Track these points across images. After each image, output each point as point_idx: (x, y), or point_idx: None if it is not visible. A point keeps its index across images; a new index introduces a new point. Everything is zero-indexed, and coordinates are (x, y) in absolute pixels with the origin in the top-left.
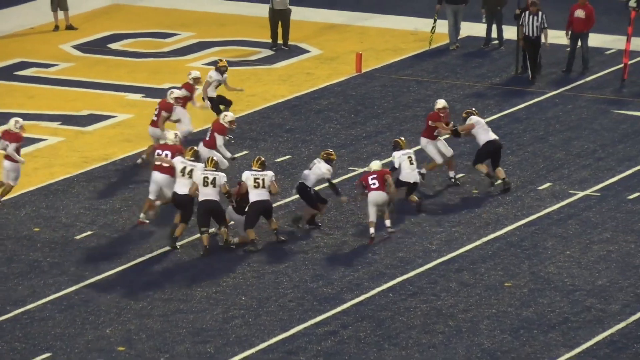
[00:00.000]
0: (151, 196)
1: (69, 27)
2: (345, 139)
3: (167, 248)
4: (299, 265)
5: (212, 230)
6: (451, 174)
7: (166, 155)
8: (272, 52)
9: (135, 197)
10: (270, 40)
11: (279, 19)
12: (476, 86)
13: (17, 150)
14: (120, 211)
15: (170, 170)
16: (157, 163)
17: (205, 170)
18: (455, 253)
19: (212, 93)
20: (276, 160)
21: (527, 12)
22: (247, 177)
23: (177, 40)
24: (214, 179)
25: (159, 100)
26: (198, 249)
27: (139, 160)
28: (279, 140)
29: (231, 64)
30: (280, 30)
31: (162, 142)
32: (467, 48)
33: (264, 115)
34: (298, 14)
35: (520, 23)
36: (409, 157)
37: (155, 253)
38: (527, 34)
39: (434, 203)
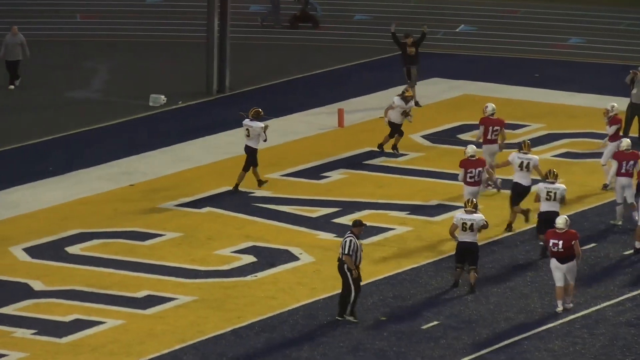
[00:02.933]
0: None
1: (416, 104)
2: None
3: (513, 339)
4: None
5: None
6: None
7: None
8: None
9: (482, 287)
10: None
11: (636, 112)
12: None
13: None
14: (467, 301)
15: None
16: None
17: (465, 211)
18: None
19: (396, 119)
20: (624, 253)
21: None
22: (540, 188)
23: (526, 131)
24: (472, 224)
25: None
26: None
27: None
28: (629, 232)
29: (581, 156)
30: (635, 125)
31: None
32: None
33: (613, 208)
34: None
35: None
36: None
37: (501, 344)
38: None
39: None
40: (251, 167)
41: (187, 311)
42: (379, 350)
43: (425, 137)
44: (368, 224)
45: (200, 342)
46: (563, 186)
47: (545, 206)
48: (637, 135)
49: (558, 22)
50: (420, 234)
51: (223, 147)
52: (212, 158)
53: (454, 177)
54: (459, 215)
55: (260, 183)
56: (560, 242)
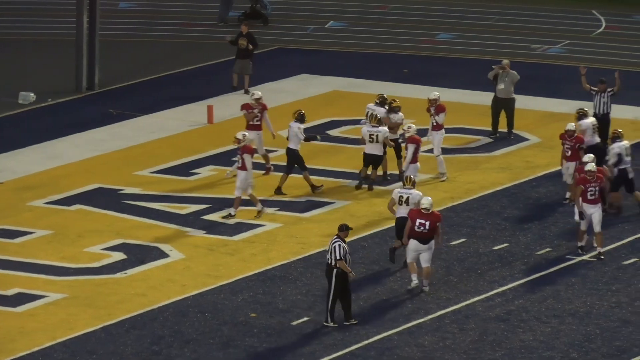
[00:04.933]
0: None
1: (246, 92)
2: (563, 227)
3: (383, 334)
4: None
5: None
6: None
7: None
8: (491, 140)
9: (352, 283)
10: (490, 128)
11: (502, 107)
12: None
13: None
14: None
15: None
16: None
17: (403, 188)
18: None
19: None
20: (494, 248)
21: (596, 90)
22: (364, 132)
23: None
24: (407, 198)
25: None
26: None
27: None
28: (497, 228)
29: (451, 151)
30: (502, 119)
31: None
32: None
33: (482, 203)
34: (520, 102)
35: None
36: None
37: (371, 340)
38: (595, 111)
39: None
40: (302, 172)
41: (57, 309)
42: (249, 346)
43: None
44: (238, 220)
45: (71, 339)
46: (385, 128)
47: (369, 148)
48: (505, 130)
49: (426, 18)
50: (290, 230)
51: (92, 144)
52: (81, 155)
53: (324, 173)
54: (397, 190)
55: (314, 188)
56: (427, 223)
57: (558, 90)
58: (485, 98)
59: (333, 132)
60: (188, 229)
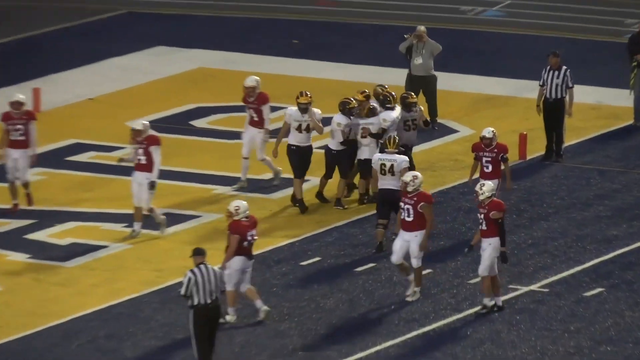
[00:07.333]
0: None
1: None
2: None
3: None
4: None
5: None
6: None
7: None
8: None
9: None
10: None
11: (419, 88)
12: None
13: None
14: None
15: None
16: None
17: (385, 152)
18: None
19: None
20: None
21: (547, 67)
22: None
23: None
24: (392, 165)
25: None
26: None
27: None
28: None
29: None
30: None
31: None
32: None
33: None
34: (444, 82)
35: (541, 83)
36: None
37: None
38: (546, 95)
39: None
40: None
41: None
42: None
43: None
44: (73, 240)
45: None
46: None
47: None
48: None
49: None
50: (141, 252)
51: None
52: None
53: (185, 176)
54: (377, 156)
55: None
56: (254, 232)
57: (494, 66)
58: (398, 77)
59: (198, 123)
60: (8, 252)
